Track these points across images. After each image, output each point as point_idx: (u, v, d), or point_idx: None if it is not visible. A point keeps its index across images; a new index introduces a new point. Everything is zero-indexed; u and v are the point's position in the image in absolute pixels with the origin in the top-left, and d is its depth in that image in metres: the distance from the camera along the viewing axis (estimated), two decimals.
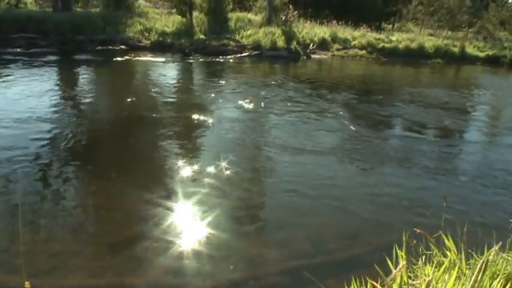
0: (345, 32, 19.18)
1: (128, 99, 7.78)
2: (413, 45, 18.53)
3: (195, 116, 6.84)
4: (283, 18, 18.30)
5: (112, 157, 5.20)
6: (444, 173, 5.25)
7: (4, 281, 2.76)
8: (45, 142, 5.32)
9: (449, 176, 5.18)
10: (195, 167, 4.73)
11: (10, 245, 3.13)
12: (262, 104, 8.16)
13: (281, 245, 3.40)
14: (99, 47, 14.37)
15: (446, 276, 1.82)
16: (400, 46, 18.38)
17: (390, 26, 26.28)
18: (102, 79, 10.55)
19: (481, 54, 19.40)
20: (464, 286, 1.68)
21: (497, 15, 25.84)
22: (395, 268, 1.84)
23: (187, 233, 3.48)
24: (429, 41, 19.44)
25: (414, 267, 2.16)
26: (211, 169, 4.67)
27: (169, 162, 4.96)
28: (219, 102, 8.15)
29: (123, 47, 14.76)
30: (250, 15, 19.64)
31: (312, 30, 18.48)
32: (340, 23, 20.21)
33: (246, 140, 5.96)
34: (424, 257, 2.14)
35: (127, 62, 12.57)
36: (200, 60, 14.02)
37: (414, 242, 2.20)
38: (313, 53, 16.93)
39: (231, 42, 16.11)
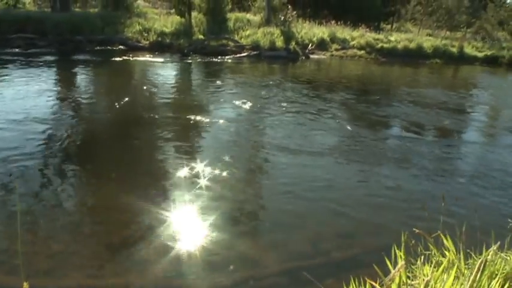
0: (343, 32, 19.20)
1: (127, 100, 7.77)
2: (412, 45, 18.56)
3: (193, 117, 6.84)
4: (282, 18, 18.31)
5: (110, 157, 5.19)
6: (442, 174, 5.26)
7: (2, 281, 2.76)
8: (43, 142, 5.31)
9: (447, 177, 5.19)
10: (193, 168, 4.72)
11: (8, 245, 3.12)
12: (261, 104, 8.16)
13: (280, 246, 3.40)
14: (98, 47, 14.35)
15: (445, 276, 1.82)
16: (399, 46, 18.40)
17: (389, 26, 26.31)
18: (100, 79, 10.54)
19: (480, 55, 19.44)
20: (462, 286, 1.69)
21: (496, 16, 25.88)
22: (394, 268, 1.84)
23: (185, 233, 3.47)
24: (428, 41, 19.47)
25: (413, 267, 2.16)
26: (209, 170, 4.67)
27: (168, 162, 4.96)
28: (217, 103, 8.15)
29: (122, 47, 14.74)
30: (249, 16, 19.64)
31: (310, 31, 18.49)
32: (338, 23, 20.22)
33: (244, 141, 5.96)
34: (422, 257, 2.15)
35: (126, 62, 12.56)
36: (199, 60, 14.01)
37: (413, 242, 2.20)
38: (312, 53, 16.94)
39: (230, 43, 16.11)
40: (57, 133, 5.71)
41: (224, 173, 4.63)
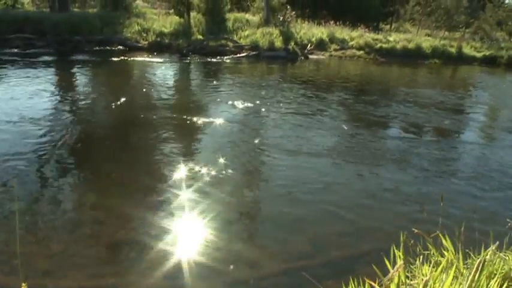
0: (342, 32, 19.22)
1: (125, 100, 7.76)
2: (411, 45, 18.58)
3: (192, 117, 6.83)
4: (281, 18, 18.32)
5: (109, 157, 5.19)
6: (441, 174, 5.26)
7: (1, 282, 2.75)
8: (41, 143, 5.30)
9: (446, 177, 5.19)
10: (192, 168, 4.72)
11: (7, 246, 3.12)
12: (260, 104, 8.16)
13: (279, 246, 3.40)
14: (97, 48, 14.34)
15: (444, 276, 1.82)
16: (398, 46, 18.42)
17: (388, 27, 26.35)
18: (99, 79, 10.53)
19: (478, 55, 19.46)
20: (461, 286, 1.69)
21: (494, 16, 25.94)
22: (393, 268, 1.84)
23: (185, 234, 3.47)
24: (426, 41, 19.49)
25: (412, 267, 2.16)
26: (208, 171, 4.67)
27: (166, 163, 4.95)
28: (216, 103, 8.14)
29: (121, 47, 14.73)
30: (248, 16, 19.66)
31: (309, 31, 18.51)
32: (337, 23, 20.24)
33: (243, 142, 5.96)
34: (421, 256, 2.15)
35: (124, 63, 12.55)
36: (198, 60, 14.00)
37: (412, 242, 2.20)
38: (311, 54, 16.95)
39: (229, 43, 16.11)
40: (55, 133, 5.70)
41: (223, 174, 4.63)
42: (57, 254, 3.11)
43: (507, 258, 2.07)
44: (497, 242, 2.16)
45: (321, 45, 17.79)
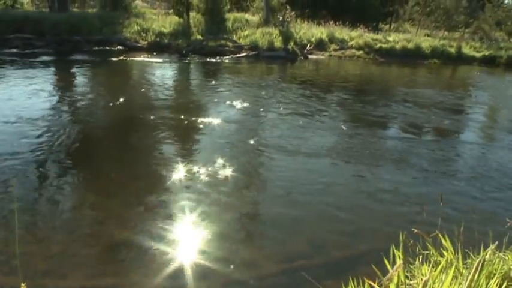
0: (342, 32, 19.22)
1: (125, 100, 7.76)
2: (410, 45, 18.59)
3: (191, 117, 6.83)
4: (281, 18, 18.32)
5: (108, 158, 5.19)
6: (440, 174, 5.26)
7: (0, 282, 2.75)
8: (40, 143, 5.29)
9: (445, 177, 5.19)
10: (191, 169, 4.71)
11: (6, 246, 3.11)
12: (259, 105, 8.16)
13: (278, 246, 3.40)
14: (96, 48, 14.33)
15: (443, 276, 1.82)
16: (397, 46, 18.43)
17: (387, 27, 26.34)
18: (98, 80, 10.52)
19: (478, 55, 19.48)
20: (461, 285, 1.69)
21: (494, 16, 25.94)
22: (393, 268, 1.84)
23: (184, 234, 3.47)
24: (426, 41, 19.51)
25: (411, 267, 2.16)
26: (207, 171, 4.66)
27: (166, 163, 4.95)
28: (215, 103, 8.14)
29: (120, 47, 14.72)
30: (247, 16, 19.65)
31: (309, 31, 18.51)
32: (337, 23, 20.25)
33: (243, 142, 5.96)
34: (421, 256, 2.15)
35: (124, 63, 12.54)
36: (197, 60, 14.00)
37: (411, 242, 2.20)
38: (311, 54, 16.96)
39: (229, 43, 16.11)
40: (55, 133, 5.69)
41: (222, 175, 4.63)
42: (56, 254, 3.11)
43: (506, 258, 2.07)
44: (497, 242, 2.16)
45: (320, 45, 17.79)
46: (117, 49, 14.55)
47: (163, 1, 26.55)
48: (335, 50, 17.83)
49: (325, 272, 3.05)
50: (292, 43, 16.63)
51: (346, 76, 13.68)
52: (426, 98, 10.19)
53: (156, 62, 13.01)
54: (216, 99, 8.43)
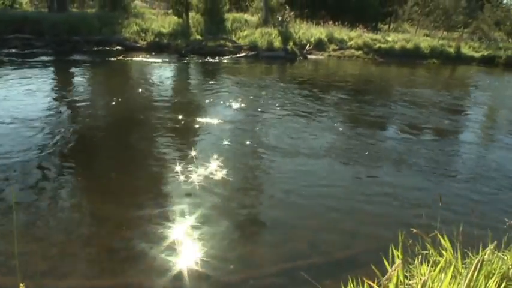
0: (341, 32, 19.24)
1: (124, 100, 7.76)
2: (409, 45, 18.61)
3: (189, 118, 6.83)
4: (280, 18, 18.33)
5: (107, 158, 5.18)
6: (439, 174, 5.27)
7: None
8: (38, 143, 5.28)
9: (444, 177, 5.20)
10: (191, 169, 4.71)
11: (5, 246, 3.11)
12: (258, 105, 8.17)
13: (278, 246, 3.40)
14: (95, 48, 14.32)
15: (442, 276, 1.82)
16: (396, 46, 18.45)
17: (386, 27, 26.36)
18: (97, 80, 10.52)
19: (477, 55, 19.51)
20: (460, 285, 1.69)
21: (492, 16, 25.99)
22: (392, 268, 1.84)
23: (183, 234, 3.46)
24: (425, 41, 19.53)
25: (410, 266, 2.16)
26: (206, 171, 4.66)
27: (164, 164, 4.95)
28: (214, 104, 8.14)
29: (119, 47, 14.72)
30: (246, 16, 19.66)
31: (308, 31, 18.52)
32: (336, 23, 20.27)
33: (242, 142, 5.96)
34: (420, 256, 2.15)
35: (123, 63, 12.54)
36: (196, 60, 14.00)
37: (410, 241, 2.20)
38: (310, 54, 16.96)
39: (228, 43, 16.11)
40: (53, 133, 5.69)
41: (221, 175, 4.63)
42: (55, 254, 3.10)
43: (505, 257, 2.08)
44: (496, 242, 2.16)
45: (319, 46, 17.80)
46: (116, 49, 14.55)
47: (162, 1, 26.55)
48: (334, 50, 17.84)
49: (324, 272, 3.05)
50: (291, 43, 16.64)
51: (345, 76, 13.68)
52: (425, 98, 10.19)
53: (155, 62, 13.00)
54: (215, 100, 8.42)
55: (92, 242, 3.30)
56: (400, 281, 1.77)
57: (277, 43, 16.32)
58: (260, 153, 5.52)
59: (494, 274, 1.86)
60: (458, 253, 2.09)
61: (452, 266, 1.89)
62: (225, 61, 14.34)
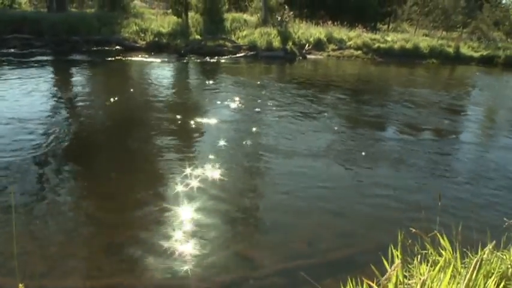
0: (340, 32, 19.23)
1: (123, 101, 7.75)
2: (408, 45, 18.61)
3: (189, 118, 6.83)
4: (279, 18, 18.33)
5: (106, 158, 5.18)
6: (438, 175, 5.27)
7: None
8: (38, 143, 5.28)
9: (443, 177, 5.20)
10: (189, 169, 4.71)
11: (4, 247, 3.10)
12: (257, 105, 8.16)
13: (277, 246, 3.41)
14: (95, 48, 14.30)
15: (442, 275, 1.83)
16: (395, 46, 18.45)
17: (385, 27, 26.37)
18: (97, 80, 10.51)
19: (476, 55, 19.52)
20: (459, 285, 1.69)
21: (491, 16, 26.00)
22: (391, 268, 1.84)
23: (183, 235, 3.46)
24: (424, 41, 19.54)
25: (410, 266, 2.16)
26: (205, 172, 4.66)
27: (164, 163, 4.95)
28: (213, 104, 8.14)
29: (119, 47, 14.70)
30: (245, 16, 19.65)
31: (307, 31, 18.51)
32: (335, 23, 20.26)
33: (241, 143, 5.96)
34: (419, 256, 2.15)
35: (122, 63, 12.53)
36: (196, 60, 13.99)
37: (409, 241, 2.20)
38: (309, 54, 16.96)
39: (227, 43, 16.10)
40: (52, 134, 5.68)
41: (220, 175, 4.63)
42: (54, 254, 3.10)
43: (504, 257, 2.08)
44: (495, 241, 2.16)
45: (318, 45, 17.80)
46: (116, 49, 14.53)
47: (161, 1, 26.54)
48: (333, 50, 17.84)
49: (324, 272, 3.06)
50: (290, 43, 16.63)
51: (344, 76, 13.69)
52: (424, 98, 10.21)
53: (155, 62, 12.99)
54: (214, 100, 8.42)
55: (91, 242, 3.30)
56: (400, 281, 1.77)
57: (276, 43, 16.31)
58: (259, 153, 5.52)
59: (493, 274, 1.87)
60: (458, 253, 2.09)
61: (452, 266, 1.90)
62: (224, 61, 14.34)
